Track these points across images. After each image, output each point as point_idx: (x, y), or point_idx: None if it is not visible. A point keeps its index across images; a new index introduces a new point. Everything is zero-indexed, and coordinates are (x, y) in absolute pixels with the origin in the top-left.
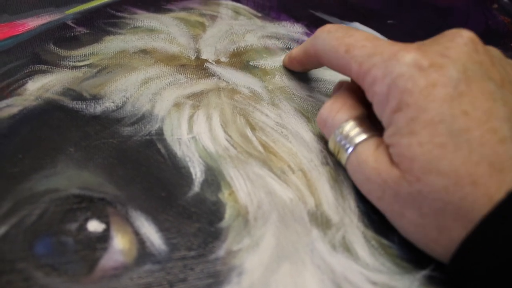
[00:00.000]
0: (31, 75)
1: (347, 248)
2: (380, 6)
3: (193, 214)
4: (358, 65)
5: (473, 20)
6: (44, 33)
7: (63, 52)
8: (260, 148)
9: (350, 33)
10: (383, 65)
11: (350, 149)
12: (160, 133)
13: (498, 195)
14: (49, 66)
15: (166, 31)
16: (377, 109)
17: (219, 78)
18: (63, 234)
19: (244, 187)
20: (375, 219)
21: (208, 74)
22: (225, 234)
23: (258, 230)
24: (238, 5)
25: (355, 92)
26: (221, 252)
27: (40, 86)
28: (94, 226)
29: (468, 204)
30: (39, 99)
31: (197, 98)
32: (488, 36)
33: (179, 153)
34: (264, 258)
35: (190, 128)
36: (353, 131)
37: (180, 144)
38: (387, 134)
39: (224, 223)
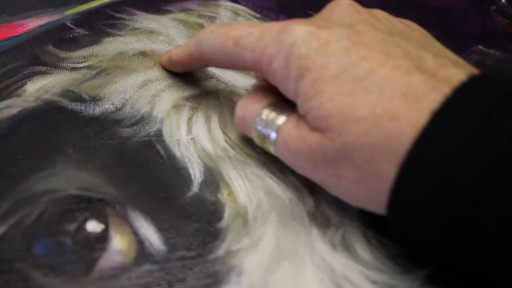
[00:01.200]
0: (30, 76)
1: (347, 247)
2: (378, 7)
3: (192, 214)
4: (251, 52)
5: (471, 22)
6: (43, 34)
7: (62, 54)
8: (259, 148)
9: (233, 26)
10: (275, 42)
11: (273, 134)
12: (159, 134)
13: (421, 122)
14: (48, 68)
15: (165, 32)
16: (281, 86)
17: (218, 80)
18: (62, 235)
19: (243, 187)
20: (375, 218)
21: (207, 75)
22: (224, 234)
23: (257, 230)
24: (237, 6)
25: (263, 86)
26: (220, 252)
27: (39, 87)
28: (93, 226)
29: (395, 139)
30: (38, 100)
31: (196, 99)
32: (486, 37)
33: (178, 154)
34: (263, 258)
35: (189, 130)
36: (271, 116)
37: (179, 145)
38: (299, 104)
39: (223, 223)
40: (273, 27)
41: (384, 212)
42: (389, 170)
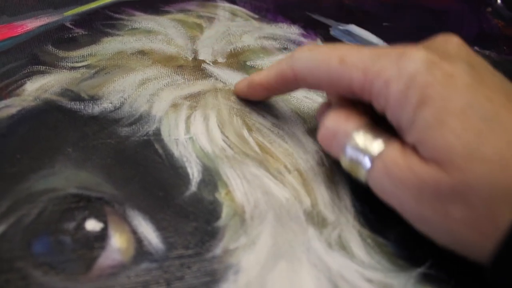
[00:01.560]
0: (29, 75)
1: (343, 247)
2: (376, 8)
3: (190, 213)
4: (362, 72)
5: (468, 24)
6: (43, 34)
7: (61, 53)
8: (256, 148)
9: (336, 46)
10: (395, 66)
11: (368, 159)
12: (157, 133)
13: None
14: (47, 67)
15: (163, 32)
16: (394, 111)
17: (216, 79)
18: (61, 233)
19: (240, 187)
20: (371, 218)
21: (205, 75)
22: (222, 233)
23: (254, 229)
24: (235, 7)
25: (352, 103)
26: (218, 250)
27: (39, 87)
28: (92, 225)
29: None
30: (38, 100)
31: (194, 99)
32: (482, 39)
33: (176, 153)
34: (260, 257)
35: (188, 129)
36: (367, 138)
37: (178, 144)
38: (412, 133)
39: (221, 222)
40: (390, 50)
41: (485, 259)
42: (505, 213)
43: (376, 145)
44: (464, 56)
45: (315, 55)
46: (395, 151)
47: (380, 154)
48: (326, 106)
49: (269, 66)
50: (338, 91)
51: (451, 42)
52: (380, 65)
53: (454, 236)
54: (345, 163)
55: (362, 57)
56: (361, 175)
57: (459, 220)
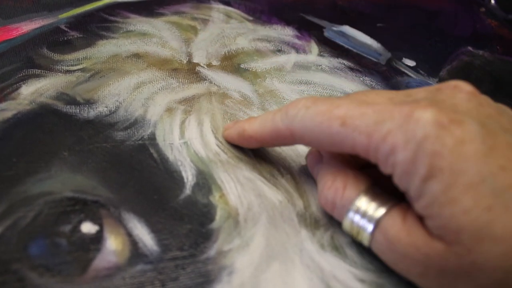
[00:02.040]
0: (25, 79)
1: (335, 248)
2: (370, 9)
3: (185, 216)
4: (366, 136)
5: (461, 24)
6: (38, 37)
7: (56, 56)
8: (250, 152)
9: (336, 103)
10: (401, 130)
11: (371, 228)
12: (152, 138)
13: None
14: (42, 71)
15: (158, 35)
16: (401, 180)
17: (211, 82)
18: (57, 236)
19: (234, 190)
20: None
21: (200, 78)
22: (216, 235)
23: (248, 231)
24: (230, 8)
25: (345, 161)
26: (212, 252)
27: (34, 90)
28: (88, 227)
29: None
30: (33, 103)
31: (188, 103)
32: (475, 39)
33: (171, 157)
34: (254, 258)
35: (182, 134)
36: (370, 207)
37: (172, 149)
38: (420, 205)
39: (215, 225)
40: (395, 110)
41: None
42: None
43: (378, 212)
44: (474, 111)
45: (313, 116)
46: (395, 223)
47: (381, 226)
48: (317, 157)
49: (261, 118)
50: (341, 151)
51: (460, 92)
52: (386, 129)
53: None
54: (346, 226)
55: (365, 120)
56: (364, 240)
57: None
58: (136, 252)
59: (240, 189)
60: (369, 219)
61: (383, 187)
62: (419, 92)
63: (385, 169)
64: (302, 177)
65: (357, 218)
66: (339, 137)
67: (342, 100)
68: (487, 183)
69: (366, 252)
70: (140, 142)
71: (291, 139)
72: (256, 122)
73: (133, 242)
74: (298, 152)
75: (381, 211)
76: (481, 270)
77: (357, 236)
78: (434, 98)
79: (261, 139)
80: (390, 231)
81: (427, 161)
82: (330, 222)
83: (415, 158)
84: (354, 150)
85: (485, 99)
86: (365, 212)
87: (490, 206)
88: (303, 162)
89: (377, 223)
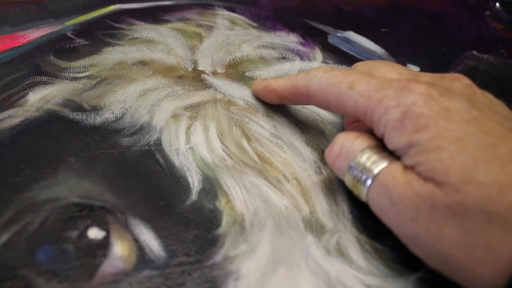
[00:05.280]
0: (32, 86)
1: (341, 253)
2: (374, 14)
3: (191, 221)
4: (366, 98)
5: (466, 27)
6: (45, 44)
7: (63, 64)
8: (255, 158)
9: (350, 72)
10: (395, 96)
11: (371, 178)
12: (158, 143)
13: None
14: (49, 78)
15: (163, 42)
16: (390, 137)
17: (216, 89)
18: (64, 242)
19: (240, 195)
20: (368, 224)
21: (205, 85)
22: (222, 240)
23: (254, 237)
24: (234, 15)
25: (361, 126)
26: (218, 258)
27: (41, 97)
28: (95, 233)
29: None
30: (40, 110)
31: (194, 109)
32: (481, 43)
33: (177, 163)
34: (260, 264)
35: (188, 139)
36: (373, 158)
37: (178, 154)
38: (409, 155)
39: (221, 230)
40: (395, 82)
41: (478, 284)
42: (503, 243)
43: (380, 165)
44: (466, 94)
45: (329, 78)
46: (397, 169)
47: (382, 171)
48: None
49: (288, 76)
50: (345, 113)
51: (458, 82)
52: (383, 94)
53: (447, 260)
54: (348, 180)
55: (369, 86)
56: (362, 193)
57: (453, 244)
58: (143, 258)
59: (246, 194)
60: (371, 168)
61: None
62: (424, 76)
63: (378, 129)
64: (308, 182)
65: (364, 162)
66: (345, 98)
67: (355, 71)
68: (470, 139)
69: (372, 257)
70: (146, 148)
71: (306, 97)
72: (281, 79)
73: (140, 248)
74: (303, 158)
75: (384, 163)
76: (467, 210)
77: (355, 185)
78: (434, 82)
79: (281, 94)
80: (389, 174)
81: (414, 121)
82: (336, 227)
83: (404, 118)
84: (355, 111)
85: (481, 92)
86: (370, 160)
87: (474, 156)
88: (309, 167)
89: (380, 171)
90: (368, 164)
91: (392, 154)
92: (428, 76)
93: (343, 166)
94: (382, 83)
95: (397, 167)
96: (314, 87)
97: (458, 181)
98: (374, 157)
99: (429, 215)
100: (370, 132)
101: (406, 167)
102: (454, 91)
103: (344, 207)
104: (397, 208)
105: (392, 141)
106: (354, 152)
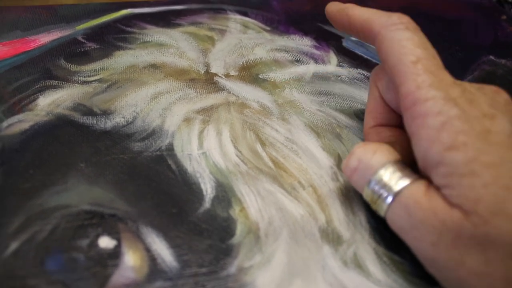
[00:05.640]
0: (42, 90)
1: (358, 265)
2: None
3: (204, 230)
4: (416, 86)
5: (482, 32)
6: (55, 48)
7: (73, 67)
8: (270, 164)
9: (425, 41)
10: (441, 103)
11: (391, 196)
12: (170, 148)
13: None
14: (60, 82)
15: (175, 45)
16: (421, 144)
17: (229, 92)
18: (75, 251)
19: (255, 203)
20: (386, 235)
21: (218, 88)
22: (236, 250)
23: (269, 247)
24: (247, 19)
25: (381, 132)
26: (232, 269)
27: (51, 102)
28: (105, 242)
29: None
30: (50, 114)
31: (207, 113)
32: (497, 47)
33: (189, 169)
34: (275, 275)
35: (201, 144)
36: (395, 176)
37: (191, 160)
38: (439, 175)
39: (235, 240)
40: (448, 85)
41: None
42: None
43: (401, 183)
44: (508, 113)
45: (402, 40)
46: (419, 191)
47: (404, 190)
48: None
49: (368, 8)
50: (392, 81)
51: (499, 97)
52: (432, 94)
53: (463, 287)
54: (366, 194)
55: (426, 74)
56: (382, 209)
57: (473, 272)
58: (155, 268)
59: (261, 202)
60: (392, 186)
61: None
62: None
63: (410, 125)
64: (324, 190)
65: (386, 178)
66: (403, 68)
67: (429, 45)
68: (507, 166)
69: (390, 270)
70: (158, 153)
71: (372, 39)
72: (360, 8)
73: (152, 258)
74: (319, 164)
75: (406, 181)
76: (492, 242)
77: (374, 202)
78: (477, 91)
79: (352, 22)
80: (411, 198)
81: (452, 134)
82: (353, 237)
83: (442, 128)
84: (400, 87)
85: None
86: (390, 179)
87: (508, 186)
88: (325, 174)
89: (401, 190)
90: (389, 181)
91: (413, 169)
92: (467, 85)
93: (362, 180)
94: (438, 80)
95: (419, 187)
96: (386, 38)
97: (488, 213)
98: (396, 174)
99: (452, 243)
100: (390, 137)
101: (430, 187)
102: (497, 107)
103: (361, 216)
104: (418, 231)
105: (420, 147)
106: (374, 167)
